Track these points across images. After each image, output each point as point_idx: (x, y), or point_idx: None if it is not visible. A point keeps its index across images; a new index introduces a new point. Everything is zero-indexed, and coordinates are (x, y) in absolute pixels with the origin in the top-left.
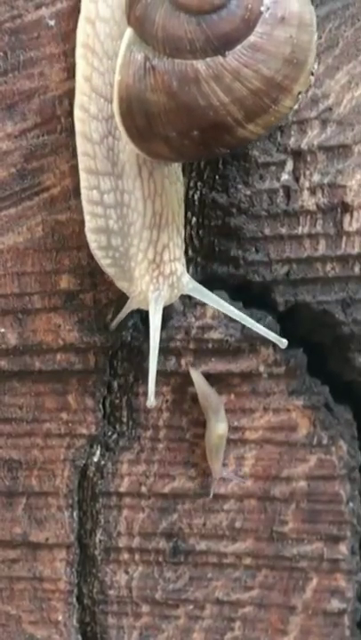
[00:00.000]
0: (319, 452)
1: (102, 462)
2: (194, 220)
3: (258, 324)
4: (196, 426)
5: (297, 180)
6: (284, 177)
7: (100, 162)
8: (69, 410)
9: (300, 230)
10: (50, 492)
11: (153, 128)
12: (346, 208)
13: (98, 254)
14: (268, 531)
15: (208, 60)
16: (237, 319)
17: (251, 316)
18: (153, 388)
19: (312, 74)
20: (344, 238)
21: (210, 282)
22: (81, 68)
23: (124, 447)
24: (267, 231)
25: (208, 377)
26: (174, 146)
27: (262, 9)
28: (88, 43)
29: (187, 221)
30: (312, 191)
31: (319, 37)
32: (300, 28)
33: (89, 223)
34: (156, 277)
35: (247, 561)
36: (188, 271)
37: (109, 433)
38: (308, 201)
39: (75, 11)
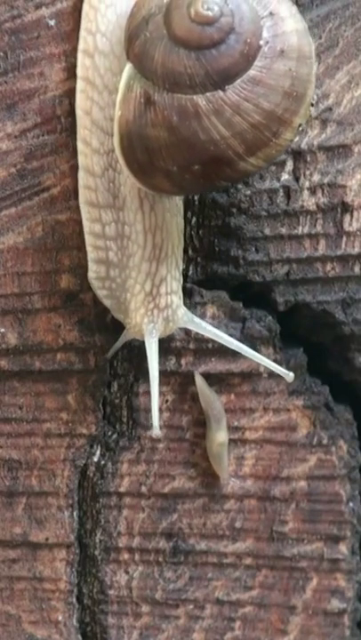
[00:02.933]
0: (319, 452)
1: (102, 462)
2: (194, 219)
3: (259, 355)
4: (196, 426)
5: (297, 179)
6: (284, 177)
7: (101, 195)
8: (69, 410)
9: (300, 230)
10: (50, 491)
11: (154, 163)
12: (346, 208)
13: (95, 284)
14: (268, 531)
15: (208, 94)
16: (237, 350)
17: (251, 315)
18: (157, 416)
19: (312, 105)
20: (344, 238)
21: (210, 282)
22: (81, 102)
23: (124, 447)
24: (267, 231)
25: (208, 377)
26: (175, 180)
27: (261, 43)
28: (88, 76)
29: (187, 221)
30: (312, 191)
31: (319, 37)
32: (300, 60)
33: (91, 254)
34: (151, 310)
35: (247, 561)
36: (188, 271)
37: (109, 433)
38: (308, 201)
39: (75, 11)
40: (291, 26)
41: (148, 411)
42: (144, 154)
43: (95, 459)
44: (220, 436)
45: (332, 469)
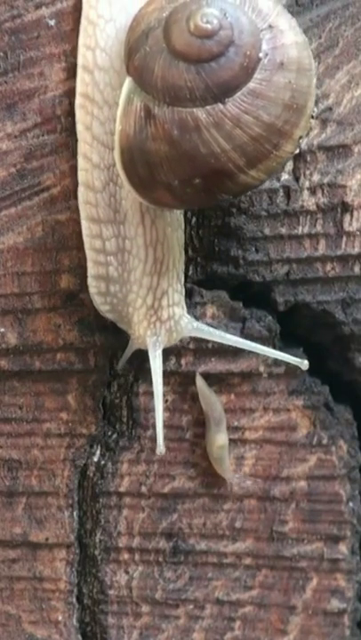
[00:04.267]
0: (319, 452)
1: (102, 462)
2: (194, 219)
3: (271, 349)
4: (196, 426)
5: (297, 179)
6: (284, 177)
7: (102, 210)
8: (69, 410)
9: (300, 230)
10: (50, 491)
11: (155, 177)
12: (346, 208)
13: (97, 300)
14: (268, 530)
15: (208, 107)
16: (248, 348)
17: (251, 315)
18: (161, 434)
19: (312, 117)
20: (344, 238)
21: (210, 282)
22: (81, 117)
23: (124, 447)
24: (267, 231)
25: (208, 377)
26: (177, 193)
27: (261, 55)
28: (87, 92)
29: (187, 221)
30: (312, 191)
31: (319, 37)
32: (299, 72)
33: (91, 270)
34: (154, 323)
35: (247, 561)
36: (188, 271)
37: (109, 433)
38: (308, 201)
39: (75, 11)
40: (290, 38)
41: (149, 411)
42: (145, 168)
43: (95, 459)
44: (219, 438)
45: (333, 469)
